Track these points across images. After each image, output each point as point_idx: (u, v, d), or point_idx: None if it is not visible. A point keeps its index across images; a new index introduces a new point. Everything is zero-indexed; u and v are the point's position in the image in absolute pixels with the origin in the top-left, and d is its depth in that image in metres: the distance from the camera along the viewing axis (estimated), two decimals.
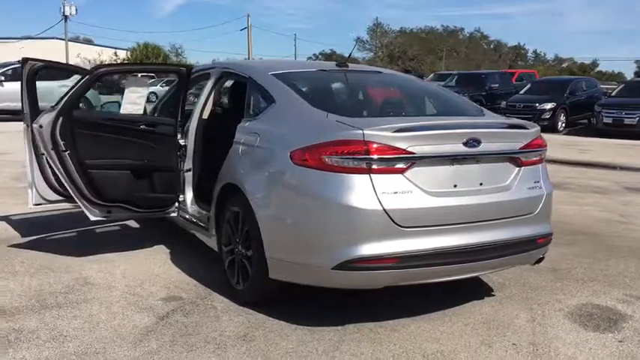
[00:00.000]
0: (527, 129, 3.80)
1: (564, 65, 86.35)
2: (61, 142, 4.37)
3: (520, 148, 3.75)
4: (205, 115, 4.94)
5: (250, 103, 4.33)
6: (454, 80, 23.82)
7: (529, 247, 3.79)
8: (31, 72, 4.95)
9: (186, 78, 4.77)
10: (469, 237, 3.51)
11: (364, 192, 3.30)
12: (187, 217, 4.90)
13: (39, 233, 5.69)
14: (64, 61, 34.32)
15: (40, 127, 4.38)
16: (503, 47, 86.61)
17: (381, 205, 3.30)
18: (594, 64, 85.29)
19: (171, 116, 4.84)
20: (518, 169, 3.76)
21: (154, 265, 4.82)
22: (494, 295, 4.30)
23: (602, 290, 4.45)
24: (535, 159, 3.85)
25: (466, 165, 3.56)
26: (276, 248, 3.63)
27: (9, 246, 5.25)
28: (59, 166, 4.46)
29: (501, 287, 4.44)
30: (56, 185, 5.13)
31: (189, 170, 4.89)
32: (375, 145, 3.30)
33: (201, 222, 4.69)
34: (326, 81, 4.59)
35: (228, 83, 5.09)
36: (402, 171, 3.37)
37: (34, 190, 5.11)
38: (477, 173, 3.62)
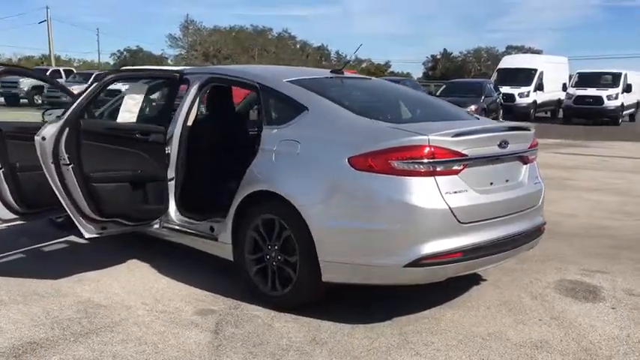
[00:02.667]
0: (530, 130, 4.33)
1: (363, 65, 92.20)
2: (66, 156, 4.04)
3: (528, 148, 4.27)
4: (190, 122, 4.81)
5: (269, 110, 4.34)
6: None
7: (537, 234, 4.32)
8: None
9: (177, 84, 4.62)
10: (507, 228, 3.95)
11: (432, 193, 3.57)
12: (176, 227, 4.75)
13: None
14: None
15: (43, 139, 4.00)
16: (309, 48, 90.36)
17: (447, 205, 3.59)
18: (387, 64, 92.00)
19: (159, 123, 4.67)
20: (525, 166, 4.27)
21: (148, 281, 4.62)
22: (486, 280, 4.78)
23: (563, 267, 5.13)
24: (533, 157, 4.39)
25: (497, 164, 3.99)
26: (332, 252, 3.75)
27: None
28: (57, 181, 4.11)
29: (485, 273, 4.93)
30: (12, 203, 4.69)
31: (171, 179, 4.75)
32: (438, 149, 3.59)
33: (200, 232, 4.59)
34: (341, 87, 4.73)
35: (217, 89, 4.98)
36: (458, 172, 3.69)
37: None
38: (504, 171, 4.06)
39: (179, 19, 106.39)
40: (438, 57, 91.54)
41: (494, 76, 26.46)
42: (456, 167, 3.68)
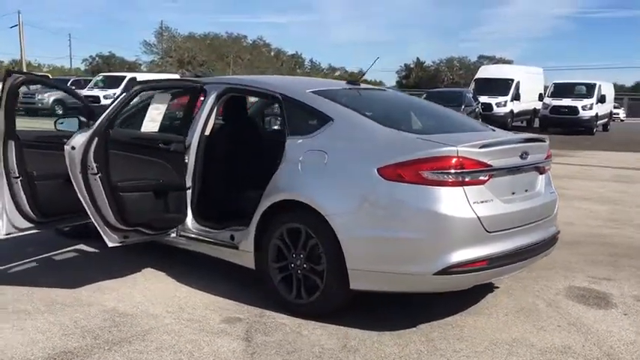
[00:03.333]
0: (545, 142, 4.46)
1: (337, 74, 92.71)
2: (94, 165, 4.05)
3: (544, 159, 4.40)
4: (207, 132, 4.85)
5: (293, 120, 4.40)
6: None
7: (552, 243, 4.45)
8: (14, 86, 4.48)
9: (197, 94, 4.68)
10: (527, 237, 4.07)
11: (461, 203, 3.67)
12: (193, 236, 4.78)
13: None
14: None
15: (72, 148, 4.01)
16: (283, 55, 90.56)
17: (475, 214, 3.70)
18: (360, 73, 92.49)
19: (178, 133, 4.71)
20: (541, 176, 4.41)
21: (168, 289, 4.64)
22: (498, 287, 4.89)
23: (569, 275, 5.28)
24: (548, 167, 4.53)
25: (518, 175, 4.11)
26: (361, 260, 3.82)
27: None
28: (83, 190, 4.12)
29: (497, 280, 5.04)
30: (29, 212, 4.68)
31: (188, 188, 4.78)
32: (467, 160, 3.70)
33: (220, 240, 4.63)
34: (361, 98, 4.81)
35: (234, 99, 5.03)
36: (484, 182, 3.80)
37: (4, 218, 4.61)
38: (524, 182, 4.19)
39: (153, 25, 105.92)
40: (412, 66, 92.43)
41: (472, 85, 26.86)
42: (482, 177, 3.79)
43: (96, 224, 4.23)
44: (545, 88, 28.51)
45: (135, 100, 4.71)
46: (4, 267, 5.10)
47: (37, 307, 4.20)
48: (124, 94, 4.28)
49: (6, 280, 4.77)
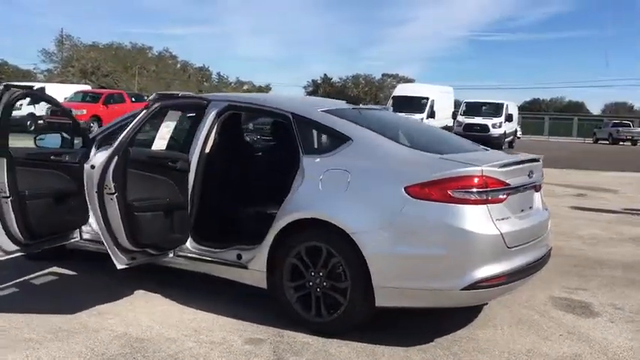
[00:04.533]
0: (540, 161, 4.72)
1: (245, 88, 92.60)
2: (112, 185, 3.89)
3: (541, 177, 4.66)
4: (207, 150, 4.77)
5: (307, 140, 4.43)
6: None
7: (548, 258, 4.71)
8: (10, 101, 4.26)
9: (203, 111, 4.62)
10: (533, 252, 4.29)
11: (486, 220, 3.84)
12: (192, 256, 4.67)
13: None
14: None
15: (92, 167, 3.85)
16: (190, 68, 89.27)
17: (499, 230, 3.87)
18: (268, 87, 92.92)
19: (181, 150, 4.62)
20: (537, 194, 4.66)
21: (171, 311, 4.52)
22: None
23: (546, 286, 5.55)
24: (541, 185, 4.80)
25: (524, 193, 4.33)
26: (388, 277, 3.90)
27: None
28: (98, 211, 3.95)
29: None
30: (17, 234, 4.44)
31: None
32: (490, 179, 3.88)
33: (224, 260, 4.56)
34: (368, 118, 4.87)
35: (233, 117, 4.97)
36: (502, 200, 3.99)
37: None
38: (527, 199, 4.42)
39: (52, 33, 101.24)
40: (319, 82, 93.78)
41: (390, 102, 27.64)
42: (501, 196, 3.98)
43: (106, 245, 4.07)
44: (456, 105, 29.82)
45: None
46: None
47: (43, 335, 3.97)
48: (144, 111, 4.15)
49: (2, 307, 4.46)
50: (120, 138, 4.01)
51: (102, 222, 3.99)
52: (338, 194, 4.09)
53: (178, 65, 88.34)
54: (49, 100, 5.08)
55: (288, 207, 4.25)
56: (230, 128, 5.10)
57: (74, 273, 5.37)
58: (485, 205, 3.86)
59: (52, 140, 5.09)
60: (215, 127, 4.81)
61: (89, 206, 3.96)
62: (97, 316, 4.35)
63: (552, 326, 4.55)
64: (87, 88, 34.77)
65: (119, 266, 4.17)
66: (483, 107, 27.37)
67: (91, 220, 4.99)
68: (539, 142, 43.35)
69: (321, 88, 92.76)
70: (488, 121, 26.08)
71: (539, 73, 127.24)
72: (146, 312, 4.47)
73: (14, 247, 4.52)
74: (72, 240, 5.06)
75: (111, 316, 4.36)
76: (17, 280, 5.08)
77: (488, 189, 3.87)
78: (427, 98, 26.96)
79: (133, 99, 28.89)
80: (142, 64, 75.02)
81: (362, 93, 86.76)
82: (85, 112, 25.39)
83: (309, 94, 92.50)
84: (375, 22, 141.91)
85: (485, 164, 3.93)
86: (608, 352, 4.11)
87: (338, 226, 4.01)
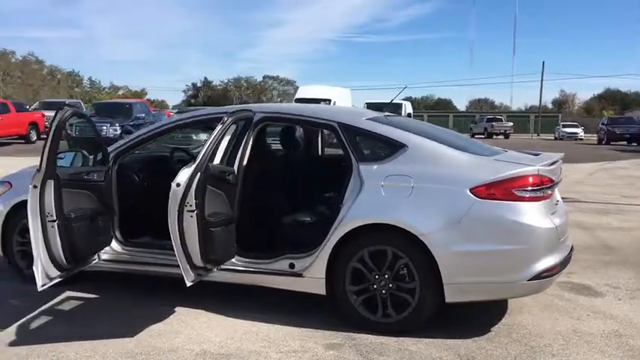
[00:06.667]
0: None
1: (120, 92, 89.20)
2: (194, 202, 3.84)
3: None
4: (245, 162, 4.77)
5: (359, 148, 4.56)
6: (94, 110, 23.29)
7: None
8: (63, 120, 4.10)
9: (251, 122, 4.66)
10: (568, 242, 4.70)
11: (544, 215, 4.20)
12: (237, 268, 4.67)
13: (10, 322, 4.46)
14: None
15: (178, 185, 3.78)
16: (59, 73, 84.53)
17: (553, 224, 4.24)
18: (143, 92, 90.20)
19: (229, 163, 4.61)
20: (556, 190, 5.09)
21: (227, 325, 4.50)
22: None
23: None
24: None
25: (555, 189, 4.74)
26: (458, 274, 4.15)
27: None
28: (176, 229, 3.89)
29: None
30: (62, 259, 4.29)
31: None
32: (544, 177, 4.24)
33: (275, 270, 4.61)
34: (410, 124, 5.06)
35: (273, 128, 4.99)
36: (550, 196, 4.37)
37: (39, 268, 4.17)
38: (555, 195, 4.82)
39: None
40: (199, 85, 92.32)
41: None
42: (549, 192, 4.36)
43: (180, 262, 4.01)
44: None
45: None
46: (20, 323, 4.48)
47: None
48: (220, 126, 4.10)
49: (41, 337, 4.23)
50: (201, 154, 3.97)
51: (178, 239, 3.92)
52: (402, 199, 4.28)
53: (45, 70, 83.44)
54: (89, 119, 4.93)
55: (349, 213, 4.37)
56: (263, 138, 5.13)
57: (92, 295, 5.15)
58: (541, 202, 4.21)
59: (72, 158, 4.86)
60: (252, 137, 4.82)
61: (169, 223, 3.88)
62: (160, 337, 4.25)
63: (576, 308, 5.00)
64: None
65: (189, 283, 4.10)
66: (384, 107, 28.33)
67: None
68: None
69: (202, 91, 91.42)
70: None
71: (409, 73, 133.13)
72: (205, 328, 4.43)
73: (57, 273, 4.34)
74: (93, 262, 4.89)
75: (173, 335, 4.28)
76: (43, 308, 4.81)
77: (544, 186, 4.23)
78: (329, 100, 27.49)
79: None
80: (4, 69, 70.14)
81: (244, 95, 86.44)
82: None
83: (190, 97, 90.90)
84: (249, 24, 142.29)
85: (540, 164, 4.29)
86: (637, 326, 4.59)
87: (406, 229, 4.20)
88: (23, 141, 25.16)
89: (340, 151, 6.21)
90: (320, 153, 6.45)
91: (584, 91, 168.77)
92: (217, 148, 4.21)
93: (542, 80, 61.01)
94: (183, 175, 3.85)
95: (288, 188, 5.20)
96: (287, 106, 5.62)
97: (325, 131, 6.03)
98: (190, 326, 4.45)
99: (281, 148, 5.77)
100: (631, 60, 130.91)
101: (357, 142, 4.60)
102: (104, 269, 5.07)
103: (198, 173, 3.90)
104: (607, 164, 20.78)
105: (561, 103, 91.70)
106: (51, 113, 26.09)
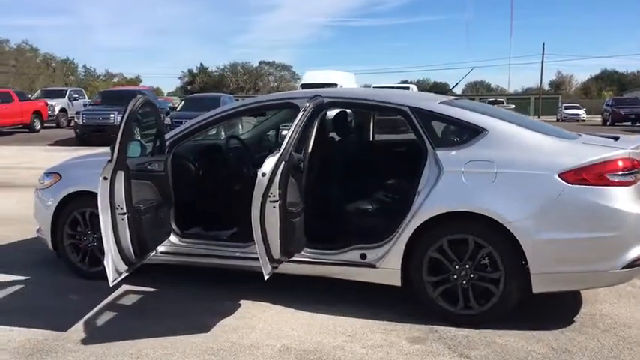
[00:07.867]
0: None
1: (115, 80, 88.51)
2: (277, 192, 3.66)
3: None
4: (310, 148, 4.58)
5: (434, 133, 4.37)
6: (100, 98, 22.97)
7: None
8: (134, 110, 3.91)
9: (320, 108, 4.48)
10: None
11: (635, 200, 4.01)
12: (305, 259, 4.49)
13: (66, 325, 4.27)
14: None
15: (263, 175, 3.59)
16: (54, 61, 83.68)
17: None
18: (138, 79, 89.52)
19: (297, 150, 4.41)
20: None
21: (300, 319, 4.33)
22: None
23: None
24: None
25: None
26: (547, 263, 3.98)
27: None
28: (257, 219, 3.70)
29: None
30: (130, 253, 4.10)
31: None
32: (635, 161, 4.06)
33: (346, 260, 4.43)
34: (481, 107, 4.86)
35: (337, 114, 4.78)
36: (639, 180, 4.18)
37: (110, 263, 3.98)
38: None
39: None
40: (195, 71, 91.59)
41: (299, 89, 27.63)
42: (638, 176, 4.17)
43: (259, 254, 3.83)
44: None
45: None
46: (86, 319, 4.29)
47: (208, 359, 3.67)
48: (301, 113, 3.90)
49: (113, 334, 4.05)
50: (284, 143, 3.79)
51: (259, 230, 3.74)
52: (485, 186, 4.09)
53: (40, 59, 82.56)
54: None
55: (427, 202, 4.18)
56: (325, 124, 4.93)
57: (150, 288, 4.96)
58: (632, 186, 4.03)
59: (132, 148, 4.65)
60: (316, 124, 4.62)
61: (252, 215, 3.69)
62: (235, 332, 4.08)
63: (597, 297, 4.74)
64: None
65: (267, 276, 3.93)
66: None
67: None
68: None
69: (198, 77, 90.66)
70: None
71: (406, 56, 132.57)
72: (278, 321, 4.26)
73: (124, 267, 4.16)
74: (151, 255, 4.71)
75: (248, 330, 4.11)
76: (105, 302, 4.62)
77: (635, 170, 4.04)
78: (336, 84, 27.21)
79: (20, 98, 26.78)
80: None
81: (241, 81, 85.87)
82: None
83: (186, 84, 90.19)
84: (242, 10, 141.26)
85: (630, 147, 4.11)
86: None
87: (491, 217, 4.02)
88: (27, 130, 24.82)
89: (394, 137, 6.03)
90: (371, 139, 6.24)
91: (581, 72, 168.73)
92: (301, 136, 4.01)
93: (542, 62, 60.59)
94: (269, 165, 3.66)
95: (348, 176, 5.00)
96: (355, 90, 5.41)
97: (379, 117, 5.85)
98: (263, 320, 4.28)
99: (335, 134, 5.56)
100: (627, 40, 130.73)
101: (431, 127, 4.41)
102: (161, 262, 4.89)
103: (282, 162, 3.72)
104: None
105: (558, 85, 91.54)
106: (54, 101, 26.00)
